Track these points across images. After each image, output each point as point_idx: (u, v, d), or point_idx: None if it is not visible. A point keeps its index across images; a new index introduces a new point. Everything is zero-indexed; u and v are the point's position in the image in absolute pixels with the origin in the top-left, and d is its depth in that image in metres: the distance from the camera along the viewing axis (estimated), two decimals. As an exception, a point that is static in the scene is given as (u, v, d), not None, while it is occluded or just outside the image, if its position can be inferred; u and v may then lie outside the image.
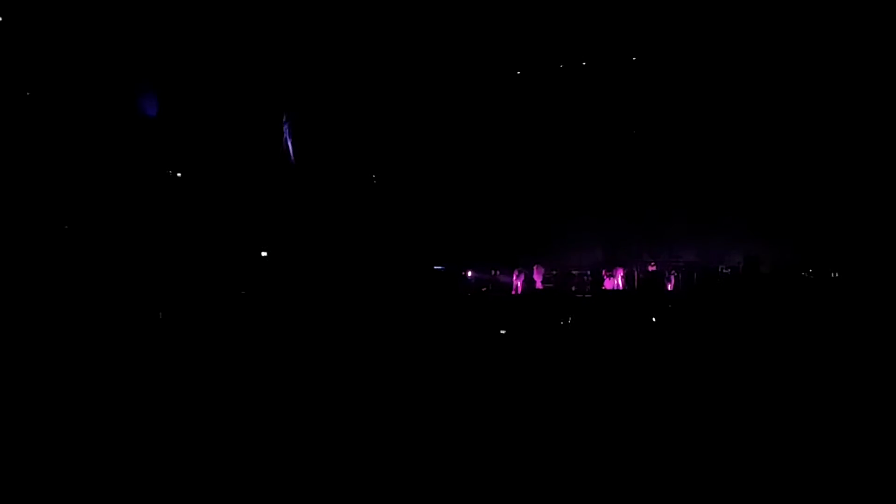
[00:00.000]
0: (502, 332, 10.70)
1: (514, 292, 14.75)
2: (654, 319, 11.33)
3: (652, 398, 6.42)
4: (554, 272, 15.64)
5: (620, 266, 15.00)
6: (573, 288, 14.84)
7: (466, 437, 5.23)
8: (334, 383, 7.07)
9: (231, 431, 5.39)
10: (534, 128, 15.90)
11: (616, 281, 14.65)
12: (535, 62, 14.33)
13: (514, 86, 14.85)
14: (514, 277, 15.07)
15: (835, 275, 12.55)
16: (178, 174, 12.39)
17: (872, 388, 6.46)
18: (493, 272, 15.21)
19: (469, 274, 15.12)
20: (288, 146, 13.61)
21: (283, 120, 13.50)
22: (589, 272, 15.21)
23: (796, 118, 14.42)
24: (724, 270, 14.30)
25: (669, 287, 14.33)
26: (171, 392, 6.56)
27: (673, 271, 14.64)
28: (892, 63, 12.22)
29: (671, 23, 12.73)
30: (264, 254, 13.14)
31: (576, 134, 15.93)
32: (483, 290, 14.81)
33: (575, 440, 5.20)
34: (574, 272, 15.40)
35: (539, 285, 14.76)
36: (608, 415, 5.89)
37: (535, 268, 14.90)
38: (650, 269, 15.10)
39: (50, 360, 7.63)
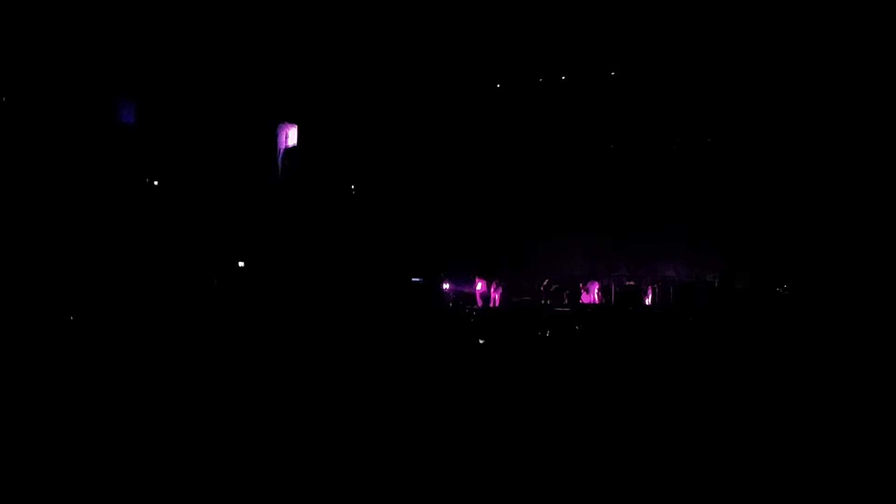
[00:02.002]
0: (481, 341, 10.70)
1: (491, 304, 14.80)
2: (632, 332, 11.39)
3: (634, 408, 6.44)
4: (523, 285, 15.74)
5: (596, 280, 15.11)
6: (549, 301, 14.90)
7: (447, 448, 5.21)
8: (313, 394, 7.00)
9: (201, 445, 5.31)
10: (511, 141, 15.97)
11: (592, 295, 14.74)
12: (516, 75, 14.42)
13: (494, 98, 14.92)
14: (493, 290, 15.13)
15: (808, 291, 12.69)
16: (156, 182, 12.29)
17: (852, 399, 6.54)
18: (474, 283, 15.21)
19: (447, 286, 15.11)
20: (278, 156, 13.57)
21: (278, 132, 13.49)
22: (567, 286, 15.29)
23: (769, 137, 14.64)
24: (700, 285, 14.42)
25: (647, 301, 14.43)
26: (141, 406, 6.43)
27: (650, 285, 14.74)
28: (858, 86, 12.44)
29: (649, 37, 12.88)
30: (241, 264, 13.04)
31: (553, 147, 16.03)
32: (461, 302, 14.80)
33: (556, 449, 5.20)
34: (554, 286, 15.47)
35: (479, 301, 14.85)
36: (590, 424, 5.90)
37: (476, 280, 14.99)
38: (628, 283, 15.20)
39: (20, 374, 7.48)
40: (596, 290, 14.71)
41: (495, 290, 15.09)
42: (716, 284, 13.13)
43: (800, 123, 13.68)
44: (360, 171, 14.95)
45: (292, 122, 13.79)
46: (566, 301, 14.94)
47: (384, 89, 14.15)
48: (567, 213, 16.31)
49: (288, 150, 13.66)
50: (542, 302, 14.60)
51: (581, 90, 14.71)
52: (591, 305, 14.46)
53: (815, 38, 12.21)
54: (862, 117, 12.80)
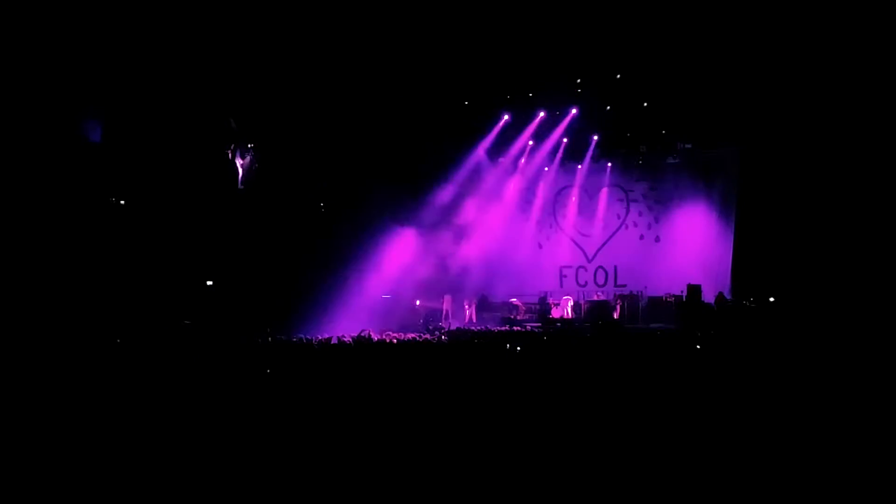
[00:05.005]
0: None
1: (467, 321, 14.95)
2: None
3: (607, 424, 6.44)
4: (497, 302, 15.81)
5: (566, 295, 15.27)
6: (518, 317, 14.94)
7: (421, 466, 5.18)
8: (278, 420, 6.88)
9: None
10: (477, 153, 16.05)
11: (564, 309, 14.85)
12: (481, 93, 14.51)
13: (458, 114, 14.99)
14: (466, 306, 15.20)
15: (773, 303, 12.85)
16: (122, 202, 12.15)
17: (814, 405, 6.61)
18: (442, 300, 15.21)
19: (418, 303, 15.09)
20: (237, 171, 13.46)
21: (232, 146, 13.36)
22: (537, 300, 15.37)
23: (735, 151, 14.87)
24: (668, 299, 14.58)
25: (615, 315, 14.53)
26: (107, 427, 6.30)
27: (618, 300, 14.85)
28: (824, 101, 12.67)
29: (612, 53, 13.08)
30: (209, 283, 12.92)
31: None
32: (431, 322, 14.70)
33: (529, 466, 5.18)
34: (523, 301, 15.54)
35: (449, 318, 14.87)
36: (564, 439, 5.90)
37: (444, 298, 15.02)
38: (597, 297, 15.34)
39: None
40: (569, 306, 14.87)
41: (468, 306, 15.18)
42: (684, 299, 13.26)
43: (766, 137, 13.85)
44: (328, 187, 14.89)
45: (258, 141, 13.72)
46: (536, 316, 15.04)
47: (351, 106, 14.12)
48: (537, 228, 16.46)
49: (252, 170, 13.56)
50: (512, 317, 14.63)
51: (549, 103, 14.96)
52: (561, 320, 14.57)
53: (767, 59, 12.46)
54: (825, 136, 12.99)
